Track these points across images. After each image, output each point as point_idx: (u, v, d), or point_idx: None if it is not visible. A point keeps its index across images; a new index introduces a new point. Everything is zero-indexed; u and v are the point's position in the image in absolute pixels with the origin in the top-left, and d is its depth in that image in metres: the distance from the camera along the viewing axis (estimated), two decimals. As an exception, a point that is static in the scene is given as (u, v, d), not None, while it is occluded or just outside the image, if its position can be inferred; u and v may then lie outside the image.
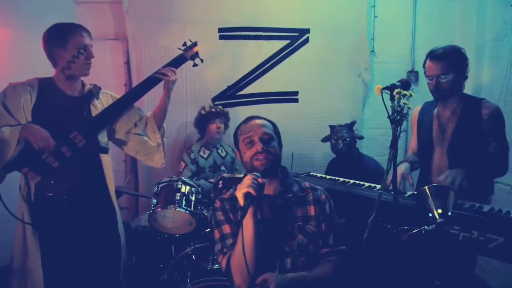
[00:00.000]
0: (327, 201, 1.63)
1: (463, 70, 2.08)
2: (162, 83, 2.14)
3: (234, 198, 1.56)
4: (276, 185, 1.60)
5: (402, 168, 2.16)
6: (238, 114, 3.34)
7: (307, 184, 1.67)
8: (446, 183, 1.85)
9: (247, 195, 1.37)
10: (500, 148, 2.04)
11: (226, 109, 3.15)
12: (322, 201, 1.62)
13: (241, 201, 1.38)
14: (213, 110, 3.06)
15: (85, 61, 1.96)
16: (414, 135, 2.40)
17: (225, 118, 3.10)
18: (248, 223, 1.41)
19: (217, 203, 1.61)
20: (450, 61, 2.05)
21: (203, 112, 3.08)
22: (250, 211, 1.40)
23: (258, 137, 1.55)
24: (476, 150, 2.06)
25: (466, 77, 2.12)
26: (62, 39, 1.91)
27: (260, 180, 1.43)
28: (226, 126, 3.11)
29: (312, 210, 1.59)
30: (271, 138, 1.59)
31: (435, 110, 2.24)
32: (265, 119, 1.67)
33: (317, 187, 1.68)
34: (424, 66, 2.17)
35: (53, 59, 1.94)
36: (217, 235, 1.56)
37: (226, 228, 1.55)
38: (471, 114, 2.08)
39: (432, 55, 2.09)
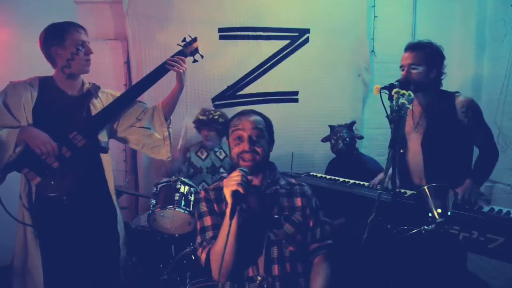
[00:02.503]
0: (313, 197, 1.66)
1: (437, 65, 2.08)
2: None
3: (219, 188, 1.55)
4: (262, 177, 1.60)
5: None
6: (238, 114, 3.33)
7: (293, 180, 1.69)
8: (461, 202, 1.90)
9: (235, 194, 1.34)
10: (486, 136, 2.08)
11: (220, 116, 2.99)
12: (309, 195, 1.64)
13: (229, 199, 1.34)
14: (202, 118, 2.97)
15: (84, 58, 1.94)
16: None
17: (217, 124, 2.97)
18: (233, 221, 1.35)
19: (202, 193, 1.59)
20: (423, 53, 2.06)
21: (199, 117, 3.02)
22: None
23: (247, 134, 1.53)
24: (452, 144, 2.08)
25: (442, 73, 2.12)
26: (59, 37, 1.89)
27: (249, 177, 1.41)
28: (221, 133, 3.01)
29: (299, 201, 1.61)
30: (261, 136, 1.56)
31: (411, 105, 2.24)
32: (258, 114, 1.64)
33: (303, 183, 1.70)
34: None
35: (51, 59, 1.93)
36: (198, 226, 1.55)
37: (208, 220, 1.53)
38: (445, 107, 2.08)
39: (407, 46, 2.13)
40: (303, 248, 1.57)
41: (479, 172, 2.07)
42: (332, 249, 1.62)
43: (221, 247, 1.35)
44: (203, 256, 1.47)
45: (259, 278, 1.47)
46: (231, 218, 1.32)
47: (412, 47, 2.10)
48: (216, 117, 2.98)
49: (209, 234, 1.50)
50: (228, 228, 1.32)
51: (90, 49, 1.95)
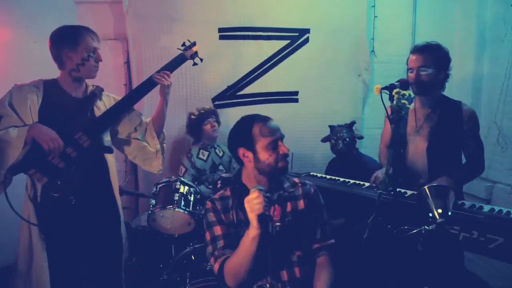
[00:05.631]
0: (316, 195, 1.65)
1: (444, 67, 2.09)
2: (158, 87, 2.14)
3: (225, 198, 1.58)
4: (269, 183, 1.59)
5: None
6: (238, 114, 3.29)
7: (296, 179, 1.68)
8: None
9: (261, 216, 1.35)
10: (477, 148, 2.09)
11: (217, 108, 3.20)
12: (311, 194, 1.63)
13: (255, 222, 1.35)
14: (203, 111, 3.04)
15: (94, 64, 1.97)
16: (388, 129, 2.37)
17: (216, 116, 3.08)
18: (255, 238, 1.37)
19: (208, 204, 1.59)
20: (432, 56, 2.06)
21: (193, 116, 3.04)
22: (259, 229, 1.37)
23: (281, 140, 1.54)
24: (456, 151, 2.10)
25: (448, 76, 2.12)
26: (72, 41, 1.91)
27: (268, 194, 1.43)
28: (219, 124, 3.11)
29: (301, 204, 1.60)
30: None
31: (412, 105, 2.24)
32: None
33: (307, 182, 1.68)
34: (407, 63, 2.16)
35: (60, 60, 1.93)
36: (208, 236, 1.54)
37: (217, 230, 1.53)
38: (453, 115, 2.09)
39: (415, 48, 2.12)
40: (310, 251, 1.58)
41: (459, 176, 2.04)
42: (335, 249, 1.61)
43: (240, 263, 1.40)
44: (216, 267, 1.48)
45: (267, 285, 1.49)
46: (261, 236, 1.36)
47: (421, 50, 2.08)
48: (212, 108, 3.14)
49: (220, 243, 1.51)
50: (253, 245, 1.37)
51: (100, 56, 1.99)
